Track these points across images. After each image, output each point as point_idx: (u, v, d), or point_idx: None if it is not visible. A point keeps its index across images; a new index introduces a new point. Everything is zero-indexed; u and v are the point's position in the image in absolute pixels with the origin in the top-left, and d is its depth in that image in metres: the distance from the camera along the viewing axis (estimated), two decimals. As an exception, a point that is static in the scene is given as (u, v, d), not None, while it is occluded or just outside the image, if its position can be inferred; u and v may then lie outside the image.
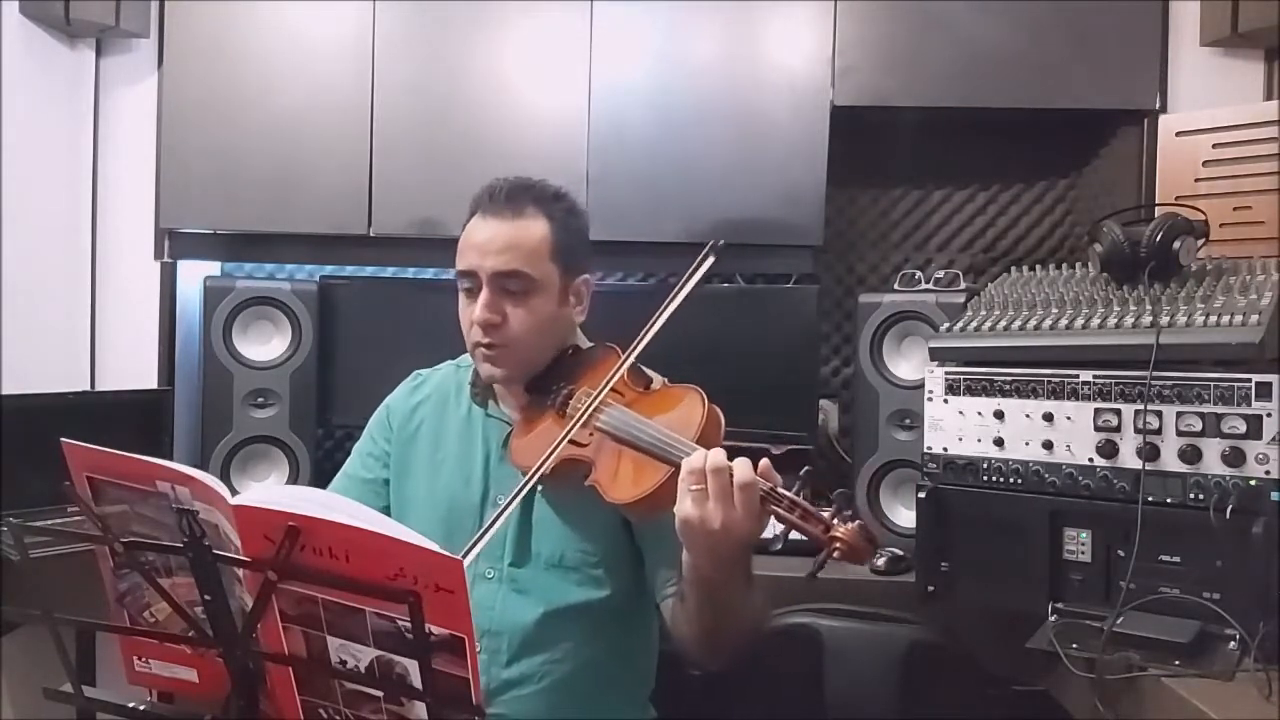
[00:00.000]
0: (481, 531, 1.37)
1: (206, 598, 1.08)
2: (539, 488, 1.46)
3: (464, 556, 1.29)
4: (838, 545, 1.22)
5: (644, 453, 1.35)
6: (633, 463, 1.37)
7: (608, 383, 1.43)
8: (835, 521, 1.23)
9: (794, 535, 1.28)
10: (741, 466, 1.23)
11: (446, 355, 1.71)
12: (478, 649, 1.42)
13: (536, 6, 2.40)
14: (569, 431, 1.40)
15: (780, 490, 1.25)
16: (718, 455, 1.24)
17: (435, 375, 1.69)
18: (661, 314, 1.44)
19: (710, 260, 1.45)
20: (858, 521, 1.24)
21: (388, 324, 2.48)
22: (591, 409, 1.41)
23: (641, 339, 1.45)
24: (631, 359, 1.45)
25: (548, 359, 1.54)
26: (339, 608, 1.03)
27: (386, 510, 1.59)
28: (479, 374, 1.57)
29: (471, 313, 1.49)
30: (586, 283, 1.58)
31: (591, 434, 1.41)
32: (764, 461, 1.26)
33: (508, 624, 1.47)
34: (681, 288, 1.44)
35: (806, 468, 1.30)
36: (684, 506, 1.24)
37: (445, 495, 1.56)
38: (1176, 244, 1.62)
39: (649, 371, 1.54)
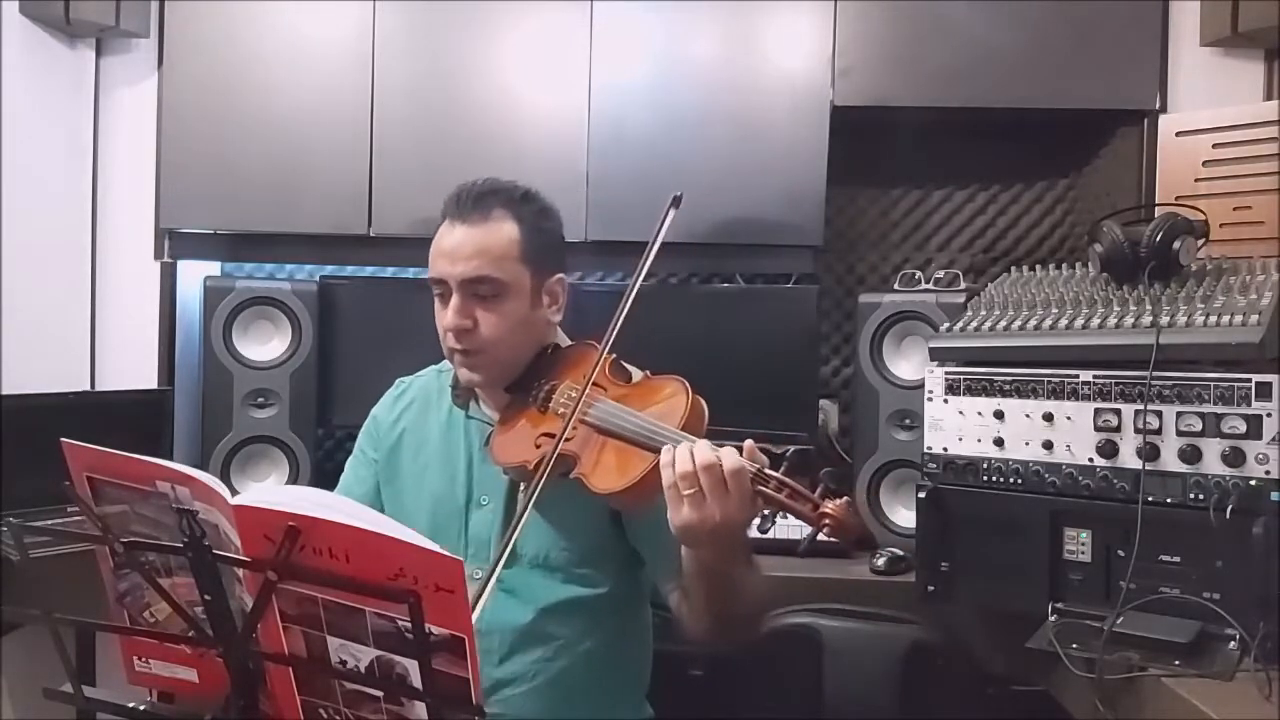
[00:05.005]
0: (496, 560, 1.36)
1: (206, 598, 1.08)
2: (522, 487, 1.46)
3: (479, 592, 1.30)
4: (827, 521, 1.23)
5: (629, 442, 1.36)
6: (617, 453, 1.37)
7: (590, 378, 1.43)
8: (823, 499, 1.24)
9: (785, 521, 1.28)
10: (729, 455, 1.24)
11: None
12: (472, 649, 1.44)
13: (536, 6, 2.40)
14: (564, 432, 1.40)
15: (768, 471, 1.26)
16: (704, 451, 1.24)
17: (418, 381, 1.70)
18: (629, 296, 1.44)
19: (672, 214, 1.46)
20: (845, 498, 1.25)
21: (388, 324, 2.48)
22: (579, 404, 1.41)
23: (614, 327, 1.44)
24: (607, 348, 1.45)
25: (525, 360, 1.54)
26: (339, 608, 1.03)
27: None
28: (458, 377, 1.57)
29: (444, 319, 1.49)
30: (561, 282, 1.58)
31: (575, 428, 1.42)
32: (748, 443, 1.27)
33: (498, 623, 1.47)
34: (648, 255, 1.46)
35: (791, 448, 1.30)
36: (682, 513, 1.24)
37: (430, 499, 1.57)
38: (1176, 244, 1.62)
39: (629, 367, 1.54)
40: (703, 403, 1.39)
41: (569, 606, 1.49)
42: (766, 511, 1.27)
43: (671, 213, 1.46)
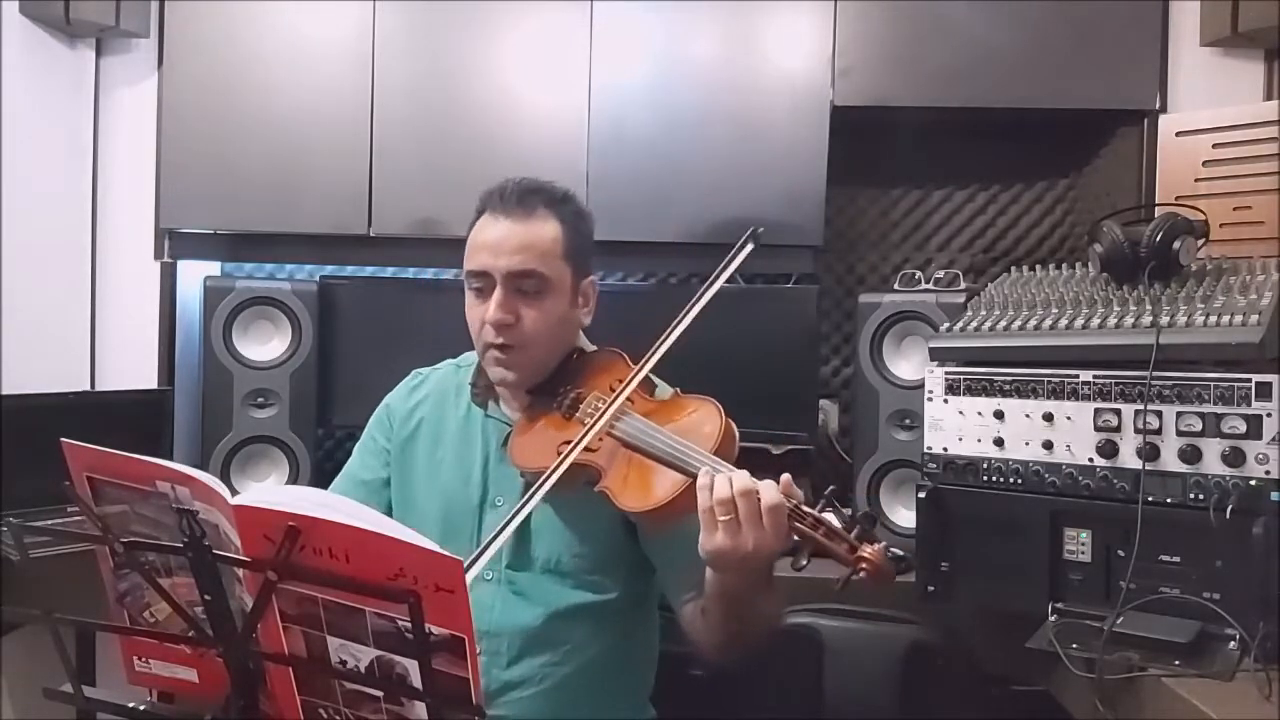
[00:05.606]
0: (487, 544, 1.36)
1: (206, 598, 1.08)
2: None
3: (468, 568, 1.30)
4: (864, 566, 1.22)
5: (660, 462, 1.34)
6: (647, 471, 1.35)
7: (626, 386, 1.41)
8: (860, 541, 1.23)
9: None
10: (768, 488, 1.23)
11: (446, 355, 1.71)
12: (478, 650, 1.44)
13: (536, 6, 2.40)
14: (586, 436, 1.38)
15: (804, 508, 1.25)
16: (744, 479, 1.24)
17: (435, 374, 1.69)
18: (690, 311, 1.42)
19: (749, 248, 1.43)
20: (882, 543, 1.23)
21: (388, 324, 2.48)
22: (609, 415, 1.39)
23: (661, 343, 1.43)
24: (652, 363, 1.43)
25: (556, 362, 1.53)
26: (339, 608, 1.03)
27: (389, 511, 1.58)
28: (488, 376, 1.56)
29: (482, 313, 1.48)
30: (593, 284, 1.58)
31: (602, 440, 1.40)
32: (785, 477, 1.25)
33: (508, 626, 1.47)
34: (714, 280, 1.43)
35: (831, 488, 1.28)
36: (715, 539, 1.23)
37: (443, 496, 1.56)
38: (1176, 244, 1.62)
39: (656, 380, 1.52)
40: (735, 427, 1.37)
41: (579, 611, 1.48)
42: (798, 540, 1.25)
43: (749, 246, 1.43)
